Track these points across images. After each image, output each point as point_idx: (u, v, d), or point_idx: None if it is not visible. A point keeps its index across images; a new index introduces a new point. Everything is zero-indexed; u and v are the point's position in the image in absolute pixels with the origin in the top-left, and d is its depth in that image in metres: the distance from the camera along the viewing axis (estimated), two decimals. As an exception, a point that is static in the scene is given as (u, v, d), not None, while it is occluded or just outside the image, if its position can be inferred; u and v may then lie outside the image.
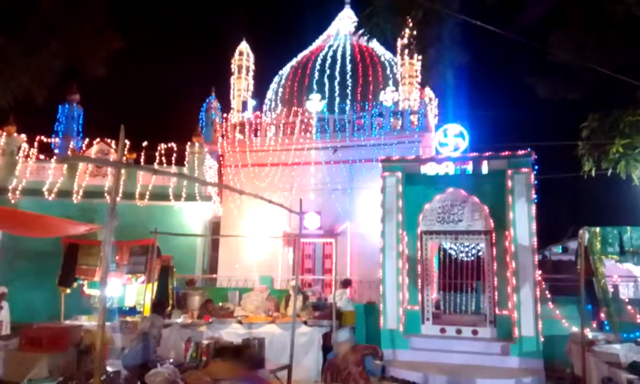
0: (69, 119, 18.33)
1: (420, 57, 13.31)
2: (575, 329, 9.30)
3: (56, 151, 17.46)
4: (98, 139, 16.89)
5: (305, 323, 9.63)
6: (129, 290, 11.67)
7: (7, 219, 9.65)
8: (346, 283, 11.96)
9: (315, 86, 18.62)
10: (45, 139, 16.95)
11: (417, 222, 11.03)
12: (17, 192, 15.70)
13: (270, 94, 20.47)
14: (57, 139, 17.64)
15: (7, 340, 7.27)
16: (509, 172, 10.39)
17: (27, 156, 16.40)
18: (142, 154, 16.18)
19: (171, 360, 6.53)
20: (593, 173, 9.97)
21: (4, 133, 16.23)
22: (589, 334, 8.44)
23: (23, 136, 16.55)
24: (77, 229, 10.95)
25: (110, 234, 4.87)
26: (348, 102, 17.97)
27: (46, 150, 17.08)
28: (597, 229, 9.09)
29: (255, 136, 17.88)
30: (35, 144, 16.57)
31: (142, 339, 5.81)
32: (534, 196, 10.26)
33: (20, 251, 13.44)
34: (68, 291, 11.18)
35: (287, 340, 8.34)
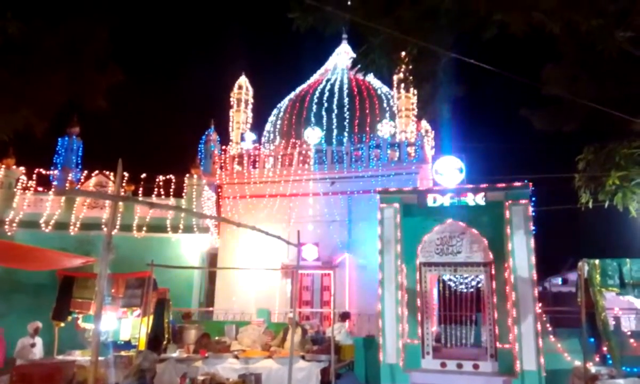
0: (68, 151, 18.38)
1: (416, 91, 13.52)
2: (577, 363, 9.15)
3: (55, 183, 17.45)
4: (97, 171, 16.93)
5: (303, 357, 9.46)
6: (124, 324, 11.51)
7: (3, 252, 9.59)
8: (345, 316, 11.81)
9: (313, 119, 18.83)
10: (43, 172, 16.97)
11: (416, 254, 10.98)
12: (14, 225, 15.62)
13: (268, 126, 20.68)
14: (55, 171, 17.66)
15: (-2, 377, 7.13)
16: (507, 203, 10.42)
17: (25, 188, 16.39)
18: (141, 185, 16.19)
19: (166, 397, 6.41)
20: (590, 205, 10.01)
21: (3, 166, 16.25)
22: (592, 368, 8.31)
23: (22, 168, 16.57)
24: (73, 261, 10.88)
25: (105, 268, 4.83)
26: (345, 134, 18.14)
27: (44, 182, 17.08)
28: (597, 261, 9.06)
29: (254, 167, 17.95)
30: (34, 176, 16.58)
31: (139, 377, 5.69)
32: (533, 228, 10.26)
33: (16, 284, 13.29)
34: (62, 324, 11.01)
35: (284, 375, 8.18)
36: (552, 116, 11.67)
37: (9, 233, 15.40)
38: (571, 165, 11.01)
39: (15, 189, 16.31)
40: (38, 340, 9.93)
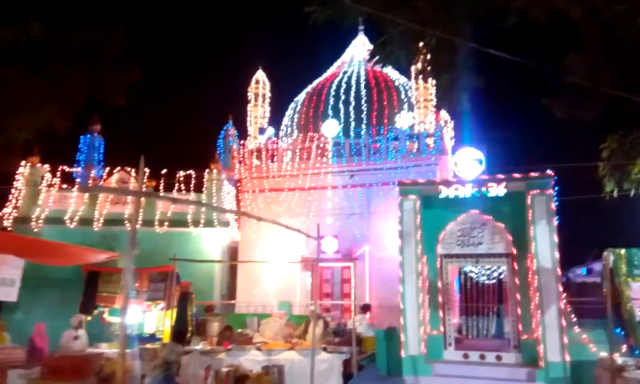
0: (90, 148, 18.70)
1: (434, 82, 13.40)
2: (603, 354, 9.02)
3: (78, 180, 17.79)
4: (118, 168, 17.20)
5: (324, 349, 9.52)
6: (149, 317, 11.73)
7: (30, 248, 9.83)
8: (365, 308, 11.84)
9: (330, 111, 18.81)
10: (67, 169, 17.32)
11: (437, 246, 10.92)
12: (40, 221, 15.99)
13: (286, 120, 20.73)
14: (78, 169, 18.00)
15: (29, 369, 7.32)
16: (529, 194, 10.27)
17: (50, 186, 16.74)
18: (161, 181, 16.40)
19: (191, 388, 6.52)
20: (615, 194, 9.82)
21: (28, 164, 16.62)
22: (619, 359, 8.18)
23: (46, 166, 16.93)
24: (97, 257, 11.10)
25: (130, 262, 4.93)
26: (363, 126, 18.09)
27: (68, 179, 17.43)
28: (622, 251, 8.89)
29: (272, 161, 18.04)
30: (58, 173, 16.93)
31: (165, 369, 5.81)
32: (556, 218, 10.10)
33: (42, 279, 13.60)
34: (89, 318, 11.27)
35: (306, 367, 8.25)
36: (574, 104, 11.45)
37: (35, 229, 15.78)
38: (594, 154, 10.81)
39: (40, 187, 16.67)
40: (82, 333, 10.15)
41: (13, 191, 16.33)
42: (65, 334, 9.99)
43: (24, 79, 12.33)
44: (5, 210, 15.97)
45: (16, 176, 16.49)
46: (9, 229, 15.51)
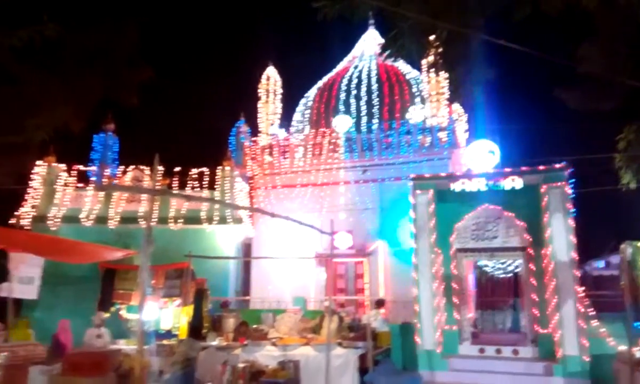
0: (104, 147, 18.88)
1: (446, 74, 13.30)
2: (622, 347, 8.91)
3: (93, 178, 18.00)
4: (132, 166, 17.35)
5: (340, 344, 9.54)
6: (165, 313, 11.85)
7: (49, 247, 10.00)
8: (380, 303, 11.83)
9: (341, 106, 18.76)
10: (82, 168, 17.52)
11: (451, 240, 10.87)
12: (57, 220, 16.21)
13: (297, 116, 20.72)
14: (93, 168, 18.20)
15: (50, 365, 7.45)
16: (544, 186, 10.17)
17: (65, 185, 16.96)
18: (175, 179, 16.53)
19: (209, 384, 6.59)
20: (633, 185, 9.69)
21: (45, 163, 16.85)
22: (637, 353, 8.08)
23: (62, 165, 17.14)
24: (113, 254, 11.24)
25: (146, 260, 4.99)
26: (375, 121, 18.00)
27: (83, 178, 17.64)
28: (640, 244, 8.76)
29: (284, 157, 18.07)
30: (73, 172, 17.13)
31: (185, 365, 5.87)
32: (572, 210, 10.00)
33: (61, 277, 13.80)
34: (107, 315, 11.42)
35: (322, 362, 8.28)
36: (589, 94, 11.32)
37: (53, 228, 16.00)
38: (610, 145, 10.67)
39: (56, 186, 16.89)
40: (104, 330, 10.31)
41: (30, 190, 16.58)
42: (89, 332, 10.16)
43: (39, 80, 12.51)
44: (23, 209, 16.22)
45: (33, 176, 16.73)
46: (27, 228, 15.75)
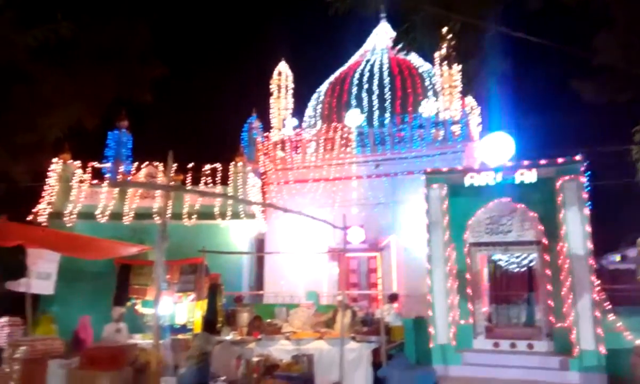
0: (118, 144, 19.07)
1: (459, 67, 13.17)
2: (639, 342, 8.81)
3: (107, 175, 18.19)
4: (146, 163, 17.50)
5: (353, 338, 9.55)
6: (180, 308, 11.95)
7: (65, 243, 10.13)
8: (393, 298, 11.81)
9: (353, 101, 18.71)
10: (96, 165, 17.71)
11: (465, 234, 10.81)
12: (73, 216, 16.42)
13: (309, 111, 20.71)
14: (108, 164, 18.39)
15: (68, 359, 7.56)
16: (559, 179, 10.06)
17: (81, 182, 17.16)
18: (188, 175, 16.63)
19: (223, 378, 6.63)
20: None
21: (60, 161, 17.06)
22: (655, 347, 7.98)
23: (77, 162, 17.33)
24: (129, 250, 11.34)
25: (161, 255, 5.03)
26: (387, 115, 17.93)
27: (98, 175, 17.84)
28: (658, 236, 8.63)
29: (296, 153, 18.09)
30: (88, 169, 17.33)
31: (200, 360, 5.92)
32: (587, 203, 9.87)
33: (77, 273, 13.98)
34: (122, 310, 11.55)
35: (335, 356, 8.30)
36: (605, 86, 11.13)
37: (69, 224, 16.22)
38: (626, 137, 10.49)
39: (71, 183, 17.11)
40: (123, 325, 10.44)
41: (46, 187, 16.81)
42: (108, 327, 10.30)
43: (54, 78, 12.64)
44: (39, 206, 16.45)
45: (49, 173, 16.96)
46: (44, 224, 15.98)
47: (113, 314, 10.49)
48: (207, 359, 5.99)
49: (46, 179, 16.91)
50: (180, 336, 10.11)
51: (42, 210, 16.40)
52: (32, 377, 7.00)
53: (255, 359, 7.08)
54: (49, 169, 16.96)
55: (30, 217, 16.15)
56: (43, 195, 16.69)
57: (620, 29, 10.10)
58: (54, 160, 17.01)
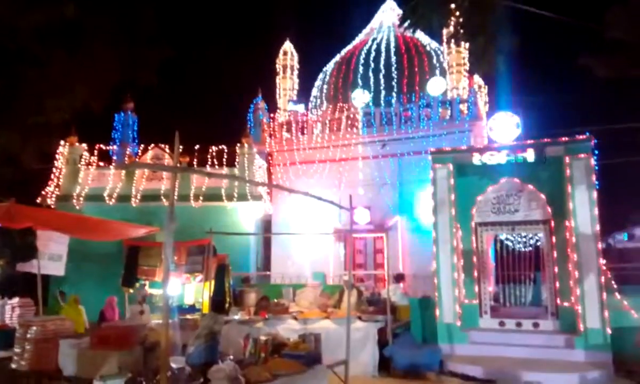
0: (124, 126, 19.09)
1: (467, 45, 12.98)
2: (645, 320, 8.82)
3: (114, 157, 18.26)
4: (152, 145, 17.54)
5: (359, 318, 9.63)
6: (188, 289, 12.10)
7: (74, 225, 10.22)
8: (399, 278, 11.87)
9: (360, 81, 18.54)
10: (103, 147, 17.78)
11: (471, 214, 10.77)
12: (81, 199, 16.55)
13: (315, 91, 20.57)
14: (114, 147, 18.45)
15: (79, 339, 7.69)
16: (567, 158, 9.96)
17: (88, 164, 17.25)
18: (195, 156, 16.66)
19: (231, 357, 6.70)
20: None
21: (67, 143, 17.13)
22: (662, 325, 7.99)
23: (84, 145, 17.40)
24: (137, 231, 11.44)
25: (170, 237, 5.06)
26: (394, 94, 17.76)
27: (105, 157, 17.92)
28: (667, 215, 8.56)
29: (302, 133, 18.02)
30: (95, 152, 17.41)
31: (209, 339, 5.98)
32: (595, 182, 9.79)
33: (86, 255, 14.16)
34: (131, 291, 11.71)
35: (342, 335, 8.35)
36: (616, 61, 10.97)
37: (77, 207, 16.36)
38: (637, 114, 10.35)
39: (79, 165, 17.20)
40: (146, 307, 10.60)
41: (54, 170, 16.92)
42: (132, 308, 10.49)
43: (61, 61, 12.66)
44: (48, 188, 16.59)
45: (56, 156, 17.06)
46: (52, 206, 16.13)
47: (137, 296, 10.69)
48: (216, 339, 6.05)
49: (54, 162, 17.02)
50: (188, 316, 10.24)
51: (51, 192, 16.54)
52: (43, 356, 7.13)
53: (263, 338, 7.14)
54: (57, 151, 17.07)
55: (38, 200, 16.31)
56: (51, 178, 16.82)
57: (632, 3, 9.91)
58: (62, 143, 17.10)
